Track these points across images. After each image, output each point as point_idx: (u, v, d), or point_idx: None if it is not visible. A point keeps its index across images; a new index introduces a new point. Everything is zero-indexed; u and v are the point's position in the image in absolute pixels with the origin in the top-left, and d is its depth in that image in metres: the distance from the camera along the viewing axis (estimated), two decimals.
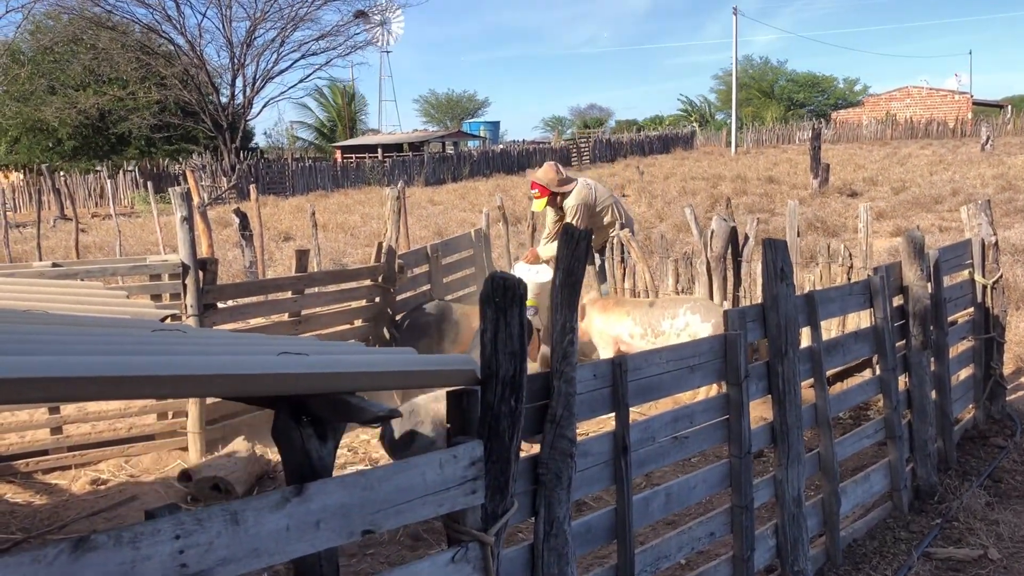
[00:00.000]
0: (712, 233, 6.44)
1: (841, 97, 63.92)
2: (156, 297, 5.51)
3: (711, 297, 6.55)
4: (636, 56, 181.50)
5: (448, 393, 2.27)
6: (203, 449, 5.62)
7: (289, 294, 6.03)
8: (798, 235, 6.29)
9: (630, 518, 2.90)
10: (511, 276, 2.21)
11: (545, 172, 7.27)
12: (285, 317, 6.08)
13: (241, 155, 34.44)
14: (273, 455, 5.69)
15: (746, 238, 6.51)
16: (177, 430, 5.68)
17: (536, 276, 6.95)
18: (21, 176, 35.01)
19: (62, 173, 33.88)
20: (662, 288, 7.05)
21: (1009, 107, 50.78)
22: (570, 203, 7.18)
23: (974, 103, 55.52)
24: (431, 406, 4.18)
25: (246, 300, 5.87)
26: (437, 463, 2.07)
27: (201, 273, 5.44)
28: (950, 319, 5.16)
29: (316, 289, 6.11)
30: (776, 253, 3.55)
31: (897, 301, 4.58)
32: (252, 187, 12.57)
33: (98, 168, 34.09)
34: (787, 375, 3.57)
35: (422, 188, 30.88)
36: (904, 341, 4.60)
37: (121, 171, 33.26)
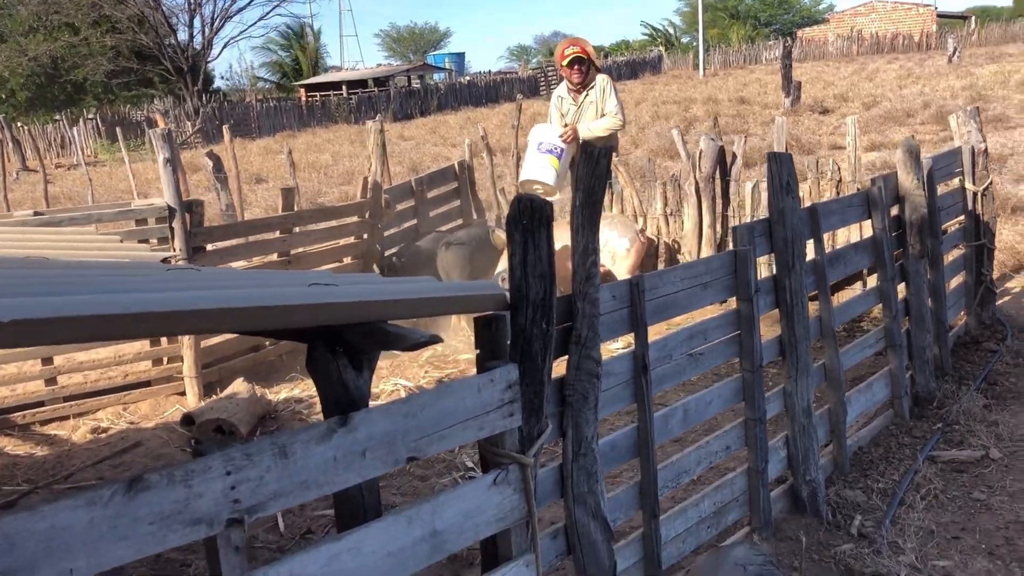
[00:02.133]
0: (700, 153, 6.40)
1: (806, 15, 63.32)
2: (143, 242, 5.40)
3: (700, 218, 6.55)
4: None
5: (476, 319, 2.25)
6: (200, 393, 5.60)
7: (277, 234, 5.95)
8: (786, 151, 6.26)
9: (651, 435, 2.92)
10: (537, 198, 2.17)
11: (583, 42, 6.90)
12: (274, 257, 6.01)
13: (204, 98, 33.68)
14: (272, 395, 5.68)
15: (733, 157, 6.48)
16: (173, 375, 5.64)
17: (534, 167, 6.60)
18: None
19: (20, 124, 33.02)
20: (651, 212, 7.03)
21: (973, 18, 50.67)
22: (602, 85, 6.79)
23: (938, 15, 55.28)
24: None
25: (234, 241, 5.78)
26: (476, 387, 2.06)
27: (188, 216, 5.34)
28: (942, 228, 5.20)
29: (304, 227, 6.03)
30: (781, 166, 3.53)
31: (894, 211, 4.60)
32: (225, 129, 12.28)
33: (56, 118, 33.20)
34: (794, 288, 3.58)
35: (390, 123, 30.41)
36: (901, 250, 4.64)
37: (81, 120, 32.43)
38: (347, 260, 6.50)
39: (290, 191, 5.94)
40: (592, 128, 6.94)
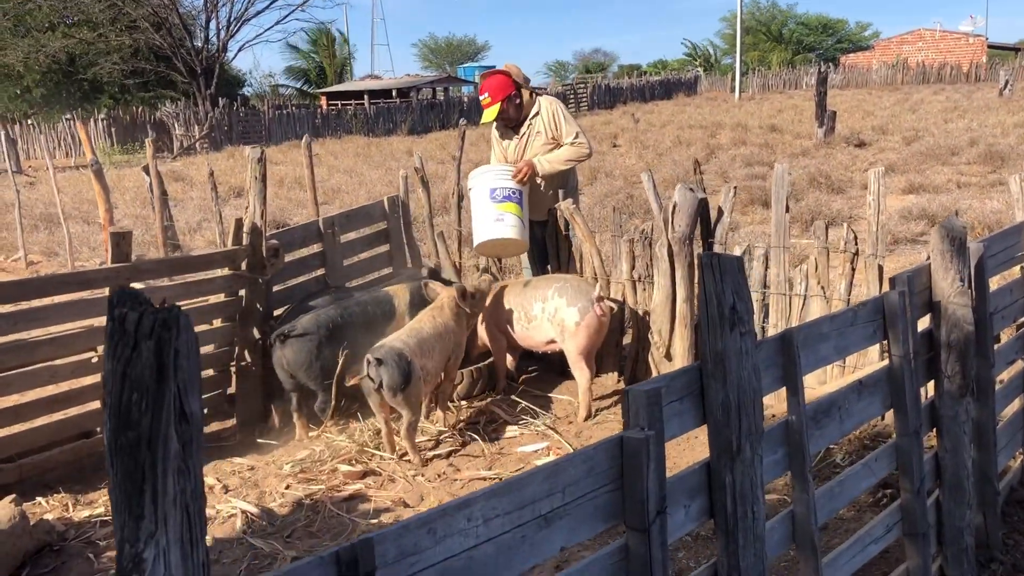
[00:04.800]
0: (674, 207, 4.90)
1: (851, 40, 61.33)
2: None
3: (673, 289, 5.04)
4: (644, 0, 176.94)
5: None
6: None
7: (107, 291, 4.52)
8: (789, 201, 4.74)
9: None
10: None
11: (505, 67, 5.69)
12: (104, 322, 4.58)
13: (220, 102, 32.58)
14: (78, 511, 4.25)
15: (719, 213, 4.96)
16: None
17: (496, 223, 5.38)
18: None
19: (30, 122, 32.19)
20: (614, 275, 5.53)
21: None
22: (550, 110, 5.55)
23: (989, 46, 53.13)
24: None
25: (36, 303, 4.36)
26: None
27: None
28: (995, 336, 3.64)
29: (145, 283, 4.60)
30: (723, 278, 2.03)
31: (922, 323, 3.07)
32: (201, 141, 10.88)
33: (68, 116, 32.28)
34: (739, 489, 2.08)
35: (402, 138, 29.13)
36: (933, 383, 3.10)
37: (92, 120, 31.46)
38: (217, 323, 5.08)
39: (125, 235, 4.49)
40: (552, 161, 5.54)
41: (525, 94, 5.63)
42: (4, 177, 19.47)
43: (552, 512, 1.66)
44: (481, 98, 5.64)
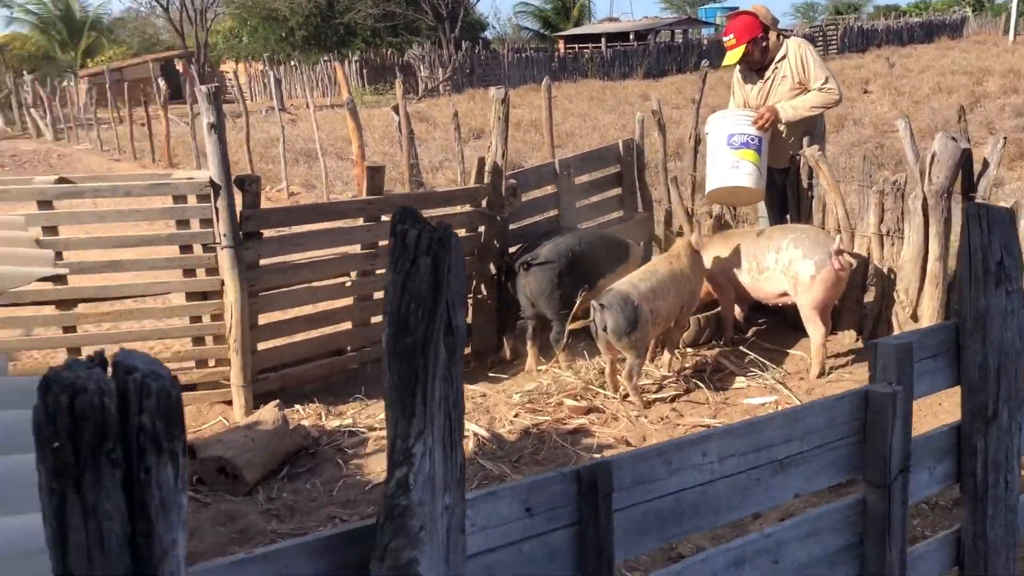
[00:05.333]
0: (932, 157, 4.55)
1: None
2: (183, 223, 4.54)
3: (925, 245, 4.71)
4: None
5: None
6: (248, 405, 4.70)
7: (360, 221, 4.88)
8: None
9: None
10: (94, 378, 0.84)
11: (752, 8, 5.44)
12: (358, 249, 4.96)
13: (462, 46, 33.65)
14: (331, 420, 4.67)
15: (984, 166, 4.56)
16: (220, 380, 4.78)
17: (731, 170, 5.18)
18: (260, 67, 36.32)
19: (292, 63, 34.91)
20: (859, 228, 5.24)
21: None
22: (798, 53, 5.29)
23: None
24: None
25: (305, 227, 4.79)
26: None
27: (239, 194, 4.38)
28: None
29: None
30: (990, 228, 1.89)
31: None
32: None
33: (325, 58, 34.63)
34: (993, 457, 1.95)
35: (637, 81, 28.79)
36: None
37: (346, 61, 33.54)
38: None
39: (379, 169, 4.81)
40: (797, 107, 5.30)
41: (772, 36, 5.39)
42: (271, 114, 21.29)
43: (788, 458, 1.65)
44: (725, 39, 5.46)
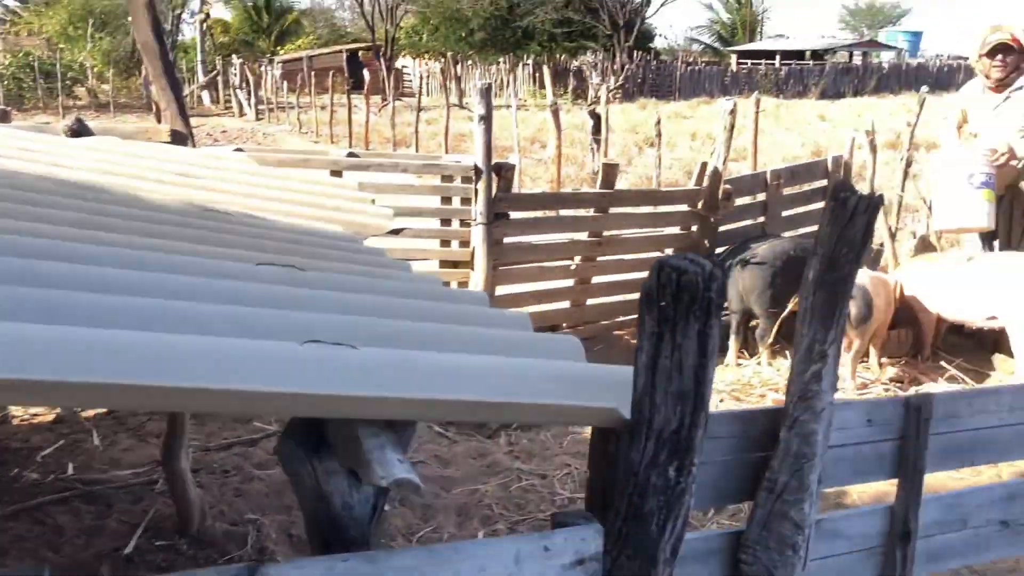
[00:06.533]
0: None
1: None
2: (446, 199, 5.17)
3: None
4: None
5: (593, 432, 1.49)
6: None
7: (591, 211, 5.39)
8: None
9: None
10: (693, 265, 1.32)
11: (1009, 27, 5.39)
12: (584, 236, 5.47)
13: (634, 55, 34.07)
14: None
15: None
16: None
17: (973, 211, 5.25)
18: (439, 64, 37.93)
19: (469, 63, 36.25)
20: None
21: None
22: None
23: None
24: None
25: (543, 212, 5.34)
26: (512, 555, 1.30)
27: (495, 178, 4.98)
28: None
29: (622, 209, 5.40)
30: None
31: None
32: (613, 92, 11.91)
33: (500, 60, 35.79)
34: None
35: (813, 101, 28.34)
36: None
37: (520, 64, 34.56)
38: (668, 251, 5.78)
39: (613, 167, 5.32)
40: None
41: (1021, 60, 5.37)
42: (455, 111, 22.36)
43: None
44: (991, 37, 5.33)
